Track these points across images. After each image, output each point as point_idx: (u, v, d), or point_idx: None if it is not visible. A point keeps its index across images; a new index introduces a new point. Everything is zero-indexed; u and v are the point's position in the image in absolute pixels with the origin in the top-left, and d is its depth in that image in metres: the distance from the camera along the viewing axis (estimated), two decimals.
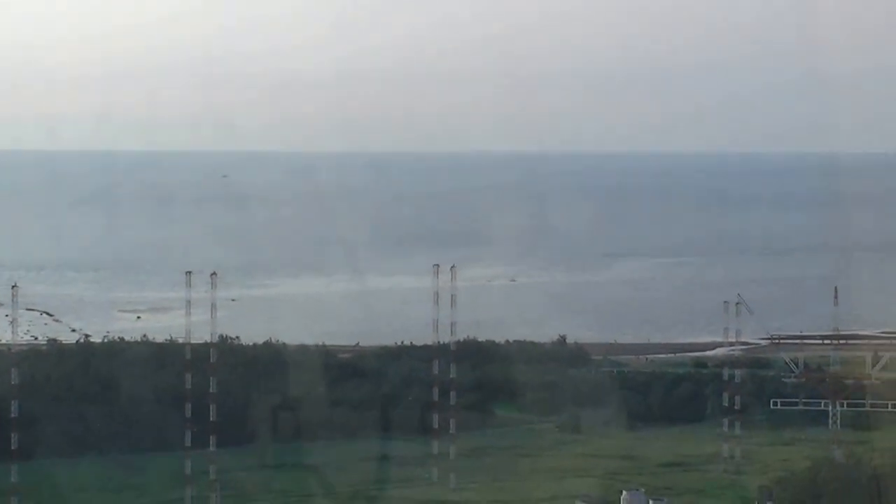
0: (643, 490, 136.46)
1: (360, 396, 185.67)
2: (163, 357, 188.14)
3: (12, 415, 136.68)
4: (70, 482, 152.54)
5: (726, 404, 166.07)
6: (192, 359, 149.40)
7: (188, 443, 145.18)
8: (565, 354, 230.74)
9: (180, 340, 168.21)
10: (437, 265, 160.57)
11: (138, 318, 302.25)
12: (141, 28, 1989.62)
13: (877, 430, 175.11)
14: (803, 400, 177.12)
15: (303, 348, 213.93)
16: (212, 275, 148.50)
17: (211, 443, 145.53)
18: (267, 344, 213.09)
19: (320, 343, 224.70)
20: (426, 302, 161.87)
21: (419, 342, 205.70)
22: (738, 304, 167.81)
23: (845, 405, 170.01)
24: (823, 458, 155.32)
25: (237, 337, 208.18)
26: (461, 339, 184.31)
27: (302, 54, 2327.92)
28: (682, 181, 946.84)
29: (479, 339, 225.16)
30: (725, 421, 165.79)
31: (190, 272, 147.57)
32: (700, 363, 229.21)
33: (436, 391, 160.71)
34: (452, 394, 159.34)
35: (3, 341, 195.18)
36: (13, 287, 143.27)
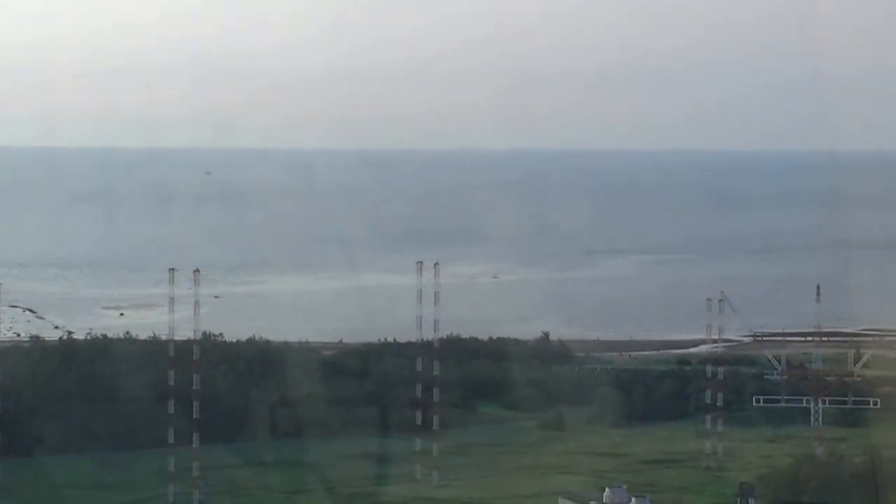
0: (626, 487, 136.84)
1: (343, 394, 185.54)
2: (146, 354, 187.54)
3: None
4: (53, 480, 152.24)
5: (709, 401, 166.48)
6: (175, 356, 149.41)
7: (171, 440, 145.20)
8: (549, 352, 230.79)
9: (164, 337, 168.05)
10: (421, 262, 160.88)
11: (121, 314, 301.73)
12: (140, 26, 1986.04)
13: (859, 427, 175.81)
14: (786, 397, 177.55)
15: (286, 345, 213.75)
16: (195, 272, 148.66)
17: (194, 440, 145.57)
18: (250, 341, 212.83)
19: (304, 340, 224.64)
20: (411, 299, 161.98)
21: (403, 339, 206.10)
22: (721, 301, 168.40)
23: (827, 402, 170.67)
24: (805, 455, 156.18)
25: (221, 334, 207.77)
26: (445, 337, 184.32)
27: (301, 52, 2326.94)
28: (680, 179, 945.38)
29: (463, 337, 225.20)
30: (708, 418, 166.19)
31: (174, 269, 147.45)
32: (683, 360, 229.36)
33: (419, 388, 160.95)
34: (436, 391, 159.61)
35: None
36: None
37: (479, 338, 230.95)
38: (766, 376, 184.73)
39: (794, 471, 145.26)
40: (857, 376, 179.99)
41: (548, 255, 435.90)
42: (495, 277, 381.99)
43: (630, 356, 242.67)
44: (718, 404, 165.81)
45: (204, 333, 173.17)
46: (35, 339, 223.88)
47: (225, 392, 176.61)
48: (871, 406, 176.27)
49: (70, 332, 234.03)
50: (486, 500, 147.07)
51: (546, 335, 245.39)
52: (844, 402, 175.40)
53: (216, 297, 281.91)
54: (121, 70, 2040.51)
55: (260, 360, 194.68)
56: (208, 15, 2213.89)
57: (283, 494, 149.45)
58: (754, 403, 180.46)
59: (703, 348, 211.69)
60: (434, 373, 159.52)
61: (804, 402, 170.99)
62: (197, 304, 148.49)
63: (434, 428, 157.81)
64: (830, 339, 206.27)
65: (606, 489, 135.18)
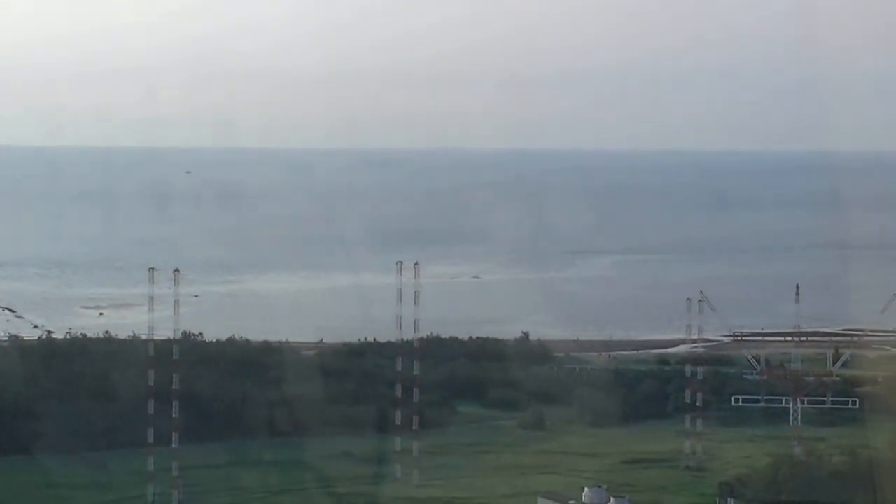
0: (605, 487, 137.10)
1: (323, 394, 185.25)
2: (125, 354, 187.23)
3: None
4: (31, 480, 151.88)
5: (689, 401, 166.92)
6: (154, 355, 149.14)
7: (151, 440, 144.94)
8: (529, 352, 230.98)
9: (143, 337, 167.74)
10: (401, 262, 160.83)
11: (101, 314, 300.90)
12: (140, 26, 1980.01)
13: (837, 427, 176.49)
14: (765, 397, 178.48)
15: (266, 345, 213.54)
16: (174, 271, 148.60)
17: (174, 439, 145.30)
18: (230, 340, 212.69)
19: (284, 340, 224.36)
20: (392, 299, 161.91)
21: (383, 339, 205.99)
22: (700, 301, 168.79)
23: (806, 402, 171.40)
24: (784, 455, 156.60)
25: (200, 333, 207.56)
26: (425, 336, 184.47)
27: (301, 52, 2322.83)
28: (676, 179, 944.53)
29: (443, 336, 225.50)
30: (688, 418, 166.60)
31: (153, 269, 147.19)
32: (663, 360, 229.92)
33: (399, 388, 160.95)
34: (416, 391, 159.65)
35: None
36: None
37: (460, 338, 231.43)
38: (745, 376, 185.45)
39: (773, 470, 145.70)
40: (836, 376, 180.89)
41: (531, 256, 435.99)
42: (476, 277, 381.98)
43: (610, 356, 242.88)
44: (698, 404, 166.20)
45: (184, 333, 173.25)
46: (14, 339, 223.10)
47: (205, 392, 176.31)
48: (850, 406, 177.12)
49: (49, 332, 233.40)
50: (465, 500, 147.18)
51: (526, 335, 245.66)
52: (823, 402, 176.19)
53: (196, 296, 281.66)
54: (121, 70, 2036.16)
55: (240, 360, 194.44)
56: (208, 15, 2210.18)
57: (263, 494, 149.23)
58: (734, 403, 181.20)
59: (682, 348, 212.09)
60: (414, 372, 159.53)
61: (783, 401, 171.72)
62: (176, 303, 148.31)
63: (414, 427, 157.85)
64: (809, 339, 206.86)
65: (585, 489, 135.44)
